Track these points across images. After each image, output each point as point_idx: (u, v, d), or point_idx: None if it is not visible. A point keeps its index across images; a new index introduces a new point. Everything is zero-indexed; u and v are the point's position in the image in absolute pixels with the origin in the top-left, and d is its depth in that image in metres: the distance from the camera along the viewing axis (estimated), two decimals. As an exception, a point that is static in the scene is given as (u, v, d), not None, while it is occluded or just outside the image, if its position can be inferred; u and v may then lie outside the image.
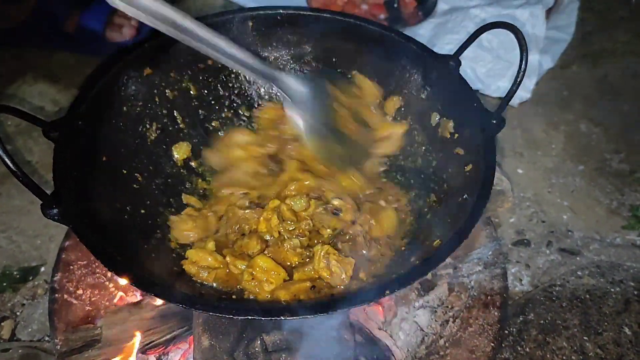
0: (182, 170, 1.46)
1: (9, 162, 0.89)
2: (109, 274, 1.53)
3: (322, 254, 1.17)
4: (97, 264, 1.54)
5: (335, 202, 1.31)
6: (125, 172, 1.31)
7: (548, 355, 1.47)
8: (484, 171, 1.10)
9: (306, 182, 1.35)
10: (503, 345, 1.49)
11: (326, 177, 1.37)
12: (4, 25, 2.29)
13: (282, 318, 0.90)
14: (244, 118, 1.57)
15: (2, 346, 1.56)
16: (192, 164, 1.47)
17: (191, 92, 1.48)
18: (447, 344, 1.40)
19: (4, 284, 1.71)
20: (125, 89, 1.31)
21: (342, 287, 1.15)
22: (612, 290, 1.61)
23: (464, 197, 1.12)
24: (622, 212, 1.92)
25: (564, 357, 1.47)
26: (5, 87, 2.31)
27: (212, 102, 1.52)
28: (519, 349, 1.50)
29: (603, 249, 1.80)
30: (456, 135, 1.28)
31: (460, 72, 1.28)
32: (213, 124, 1.53)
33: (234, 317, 0.91)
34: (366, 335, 1.36)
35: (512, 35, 1.07)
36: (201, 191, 1.45)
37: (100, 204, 1.14)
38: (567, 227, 1.88)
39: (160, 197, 1.38)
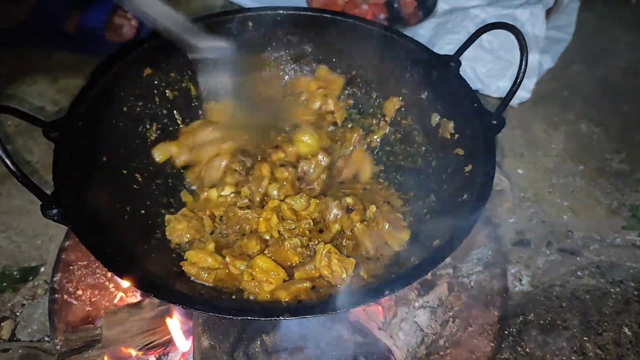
0: (182, 171, 1.46)
1: (8, 162, 0.89)
2: (109, 274, 1.53)
3: (324, 252, 1.17)
4: (97, 264, 1.54)
5: (349, 200, 1.31)
6: (125, 172, 1.31)
7: (548, 356, 1.47)
8: (484, 171, 1.10)
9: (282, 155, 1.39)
10: (503, 345, 1.49)
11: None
12: (4, 25, 2.29)
13: (282, 318, 0.90)
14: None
15: (2, 346, 1.55)
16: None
17: (191, 92, 1.48)
18: (447, 344, 1.39)
19: (4, 284, 1.71)
20: (125, 89, 1.32)
21: (343, 286, 1.15)
22: (612, 290, 1.61)
23: (464, 197, 1.12)
24: (622, 213, 1.92)
25: (564, 358, 1.46)
26: (5, 87, 2.31)
27: (212, 101, 1.52)
28: (519, 349, 1.50)
29: (603, 249, 1.80)
30: (456, 135, 1.28)
31: (460, 72, 1.28)
32: (213, 124, 1.53)
33: (234, 318, 0.91)
34: (366, 335, 1.36)
35: (512, 36, 1.07)
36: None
37: (100, 204, 1.14)
38: (567, 228, 1.88)
39: (160, 197, 1.38)
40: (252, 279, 1.14)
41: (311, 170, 1.38)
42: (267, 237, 1.27)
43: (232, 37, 1.46)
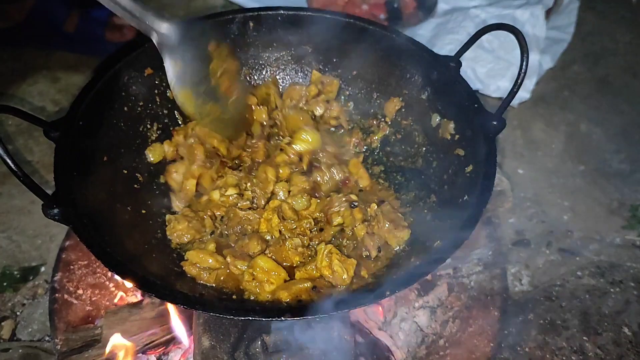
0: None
1: (9, 162, 0.89)
2: (109, 274, 1.54)
3: (325, 252, 1.17)
4: (97, 264, 1.54)
5: (353, 196, 1.31)
6: (125, 172, 1.31)
7: (548, 356, 1.47)
8: (485, 172, 1.10)
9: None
10: (503, 345, 1.49)
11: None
12: (4, 25, 2.29)
13: (283, 319, 0.90)
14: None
15: (3, 346, 1.56)
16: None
17: (192, 92, 1.48)
18: (447, 344, 1.40)
19: (5, 284, 1.71)
20: (126, 89, 1.32)
21: (344, 286, 1.15)
22: (612, 290, 1.61)
23: (465, 197, 1.12)
24: (622, 212, 1.92)
25: (564, 357, 1.47)
26: (6, 87, 2.31)
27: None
28: (519, 349, 1.50)
29: (603, 249, 1.80)
30: (457, 136, 1.28)
31: (460, 72, 1.28)
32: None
33: (235, 318, 0.91)
34: (366, 335, 1.36)
35: (512, 36, 1.07)
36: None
37: (101, 204, 1.14)
38: (567, 227, 1.88)
39: (161, 197, 1.38)
40: (253, 279, 1.14)
41: (323, 182, 1.38)
42: (268, 238, 1.27)
43: (233, 37, 1.47)
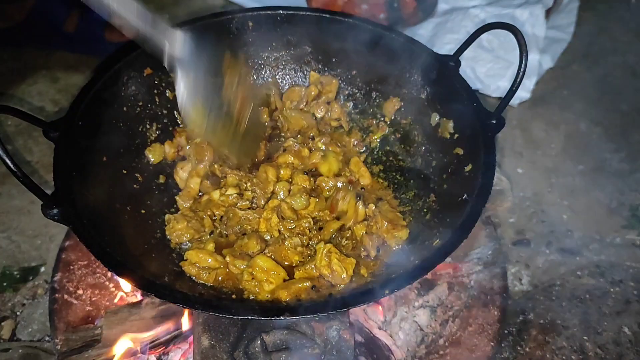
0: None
1: (9, 162, 0.89)
2: (109, 274, 1.54)
3: (324, 252, 1.17)
4: (97, 264, 1.54)
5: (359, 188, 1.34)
6: (125, 172, 1.32)
7: (548, 355, 1.47)
8: (484, 171, 1.10)
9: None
10: (503, 344, 1.49)
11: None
12: (4, 25, 2.29)
13: (282, 318, 0.90)
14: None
15: (3, 346, 1.56)
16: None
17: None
18: (446, 344, 1.40)
19: (4, 284, 1.71)
20: (125, 89, 1.32)
21: (343, 285, 1.15)
22: (612, 290, 1.61)
23: (464, 197, 1.12)
24: (622, 212, 1.92)
25: (564, 357, 1.47)
26: (5, 87, 2.31)
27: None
28: (519, 348, 1.50)
29: (603, 248, 1.80)
30: (456, 135, 1.28)
31: (459, 72, 1.28)
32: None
33: (234, 317, 0.91)
34: (366, 334, 1.36)
35: (512, 35, 1.07)
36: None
37: (101, 204, 1.14)
38: (567, 227, 1.88)
39: (161, 197, 1.38)
40: (253, 279, 1.15)
41: (327, 188, 1.38)
42: (268, 237, 1.27)
43: (232, 36, 1.47)
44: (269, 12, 1.46)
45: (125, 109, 1.33)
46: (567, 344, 1.49)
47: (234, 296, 1.15)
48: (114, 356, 1.29)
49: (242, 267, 1.18)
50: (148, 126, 1.40)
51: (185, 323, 1.33)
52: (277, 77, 1.58)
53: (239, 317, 0.91)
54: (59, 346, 1.35)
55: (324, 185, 1.37)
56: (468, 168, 1.18)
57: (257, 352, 1.12)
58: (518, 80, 1.07)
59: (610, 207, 1.94)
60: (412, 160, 1.44)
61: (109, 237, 1.06)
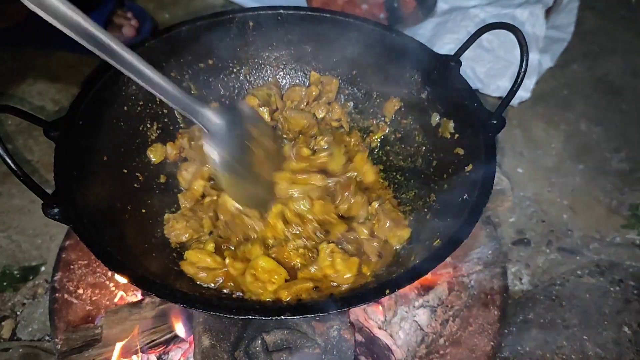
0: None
1: (9, 161, 0.89)
2: (110, 273, 1.54)
3: (327, 252, 1.17)
4: (97, 264, 1.54)
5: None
6: (125, 171, 1.31)
7: (548, 355, 1.48)
8: (484, 171, 1.10)
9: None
10: (503, 344, 1.49)
11: None
12: (4, 25, 2.28)
13: (283, 317, 0.90)
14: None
15: (3, 346, 1.56)
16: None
17: (192, 91, 1.48)
18: (447, 343, 1.40)
19: (5, 284, 1.71)
20: (125, 88, 1.32)
21: (347, 285, 1.15)
22: (612, 289, 1.61)
23: (464, 196, 1.12)
24: (622, 212, 1.92)
25: (564, 357, 1.47)
26: (6, 86, 2.31)
27: (212, 101, 1.53)
28: (519, 348, 1.50)
29: (603, 248, 1.80)
30: (456, 135, 1.28)
31: (460, 71, 1.28)
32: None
33: (235, 317, 0.91)
34: (366, 334, 1.36)
35: (512, 35, 1.07)
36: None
37: (101, 204, 1.14)
38: (567, 227, 1.88)
39: (161, 196, 1.38)
40: (256, 280, 1.14)
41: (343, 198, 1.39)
42: (271, 242, 1.26)
43: (233, 36, 1.47)
44: (269, 11, 1.46)
45: (125, 108, 1.32)
46: (567, 343, 1.49)
47: (234, 295, 1.15)
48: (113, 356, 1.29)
49: (241, 269, 1.18)
50: (149, 125, 1.40)
51: (180, 329, 1.34)
52: (277, 76, 1.58)
53: (240, 317, 0.91)
54: (59, 346, 1.35)
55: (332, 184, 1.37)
56: (468, 168, 1.18)
57: (258, 352, 1.12)
58: (519, 80, 1.06)
59: (610, 206, 1.94)
60: (413, 160, 1.43)
61: (109, 237, 1.06)
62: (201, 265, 1.19)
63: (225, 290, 1.18)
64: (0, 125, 2.18)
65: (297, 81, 1.60)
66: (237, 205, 1.30)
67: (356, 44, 1.46)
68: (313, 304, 0.94)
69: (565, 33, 2.45)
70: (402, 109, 1.46)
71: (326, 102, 1.52)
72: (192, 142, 1.44)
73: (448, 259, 0.99)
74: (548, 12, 2.28)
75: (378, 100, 1.52)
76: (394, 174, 1.47)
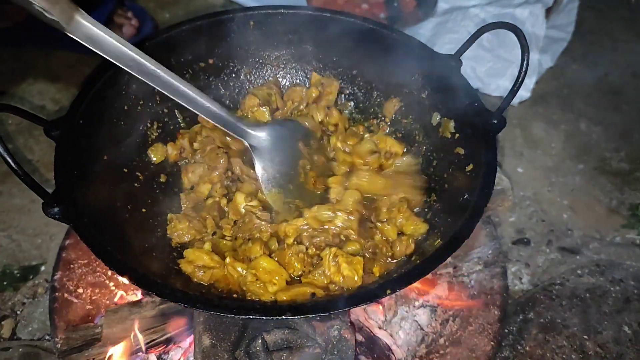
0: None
1: (10, 160, 0.89)
2: (110, 272, 1.54)
3: (330, 257, 1.16)
4: (97, 263, 1.54)
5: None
6: (126, 170, 1.31)
7: (548, 354, 1.48)
8: (485, 171, 1.10)
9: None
10: (503, 344, 1.49)
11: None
12: (4, 25, 2.28)
13: (284, 317, 0.90)
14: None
15: (3, 345, 1.56)
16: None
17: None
18: (447, 343, 1.40)
19: (5, 283, 1.71)
20: (126, 87, 1.31)
21: (356, 288, 1.14)
22: (612, 289, 1.61)
23: (465, 196, 1.12)
24: (621, 211, 1.92)
25: (564, 356, 1.47)
26: (6, 86, 2.31)
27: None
28: (519, 347, 1.50)
29: (603, 247, 1.80)
30: (457, 134, 1.28)
31: (460, 71, 1.28)
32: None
33: (235, 316, 0.91)
34: (367, 334, 1.36)
35: (512, 35, 1.07)
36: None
37: (101, 203, 1.14)
38: (567, 226, 1.88)
39: (161, 196, 1.38)
40: (257, 280, 1.14)
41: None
42: (273, 246, 1.26)
43: (233, 35, 1.47)
44: (269, 11, 1.46)
45: (126, 107, 1.32)
46: (567, 343, 1.49)
47: (235, 295, 1.15)
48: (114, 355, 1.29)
49: (240, 271, 1.18)
50: (149, 125, 1.40)
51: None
52: (278, 76, 1.59)
53: (241, 317, 0.91)
54: (59, 345, 1.35)
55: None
56: (469, 168, 1.17)
57: (258, 352, 1.12)
58: (520, 79, 1.06)
59: (610, 206, 1.94)
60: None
61: (109, 236, 1.06)
62: (199, 263, 1.19)
63: (221, 291, 1.17)
64: (1, 124, 2.18)
65: (298, 81, 1.60)
66: (248, 205, 1.32)
67: (356, 44, 1.46)
68: (314, 304, 0.94)
69: (565, 33, 2.44)
70: (403, 109, 1.46)
71: (325, 106, 1.52)
72: (195, 144, 1.44)
73: (448, 259, 0.99)
74: (548, 11, 2.28)
75: (378, 100, 1.52)
76: (394, 173, 1.46)
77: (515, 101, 2.24)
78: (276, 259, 1.21)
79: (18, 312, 1.66)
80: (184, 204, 1.38)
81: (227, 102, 1.56)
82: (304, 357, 1.11)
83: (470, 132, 1.21)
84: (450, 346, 1.39)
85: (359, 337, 1.33)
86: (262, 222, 1.28)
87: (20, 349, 1.54)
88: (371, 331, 1.37)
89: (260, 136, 1.24)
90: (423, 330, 1.43)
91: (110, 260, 0.97)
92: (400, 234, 1.28)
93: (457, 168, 1.24)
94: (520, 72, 1.06)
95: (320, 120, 1.51)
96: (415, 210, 1.33)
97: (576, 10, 2.50)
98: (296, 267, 1.20)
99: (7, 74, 2.36)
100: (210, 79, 1.51)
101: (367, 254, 1.23)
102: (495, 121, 1.14)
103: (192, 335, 1.29)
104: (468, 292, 1.48)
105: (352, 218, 1.27)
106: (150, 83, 1.04)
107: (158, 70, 1.04)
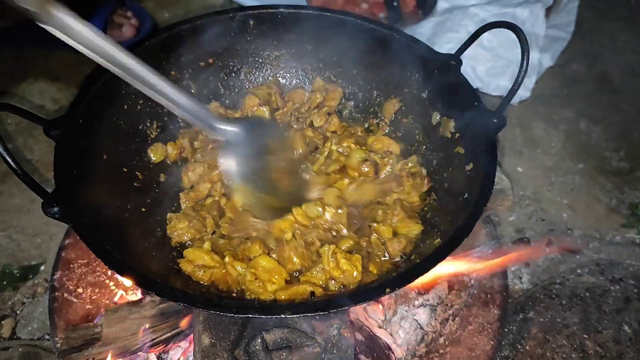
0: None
1: (9, 160, 0.89)
2: (109, 272, 1.53)
3: (329, 254, 1.16)
4: (97, 263, 1.54)
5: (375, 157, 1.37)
6: (125, 170, 1.31)
7: (548, 354, 1.48)
8: (485, 170, 1.10)
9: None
10: (503, 343, 1.50)
11: None
12: (4, 25, 2.28)
13: (283, 316, 0.90)
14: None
15: (3, 345, 1.56)
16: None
17: (192, 90, 1.48)
18: (447, 342, 1.40)
19: (4, 283, 1.71)
20: (125, 87, 1.31)
21: (355, 284, 1.14)
22: (612, 288, 1.61)
23: (465, 196, 1.12)
24: (621, 210, 1.92)
25: (564, 355, 1.47)
26: (6, 86, 2.31)
27: (213, 100, 1.53)
28: (519, 347, 1.50)
29: (603, 247, 1.80)
30: (457, 134, 1.28)
31: (460, 70, 1.28)
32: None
33: (235, 316, 0.91)
34: (366, 333, 1.36)
35: (512, 34, 1.07)
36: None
37: (101, 202, 1.14)
38: (567, 226, 1.88)
39: (161, 195, 1.38)
40: (256, 279, 1.14)
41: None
42: (272, 246, 1.26)
43: (233, 35, 1.47)
44: (269, 10, 1.46)
45: (125, 107, 1.32)
46: (567, 342, 1.49)
47: (234, 294, 1.15)
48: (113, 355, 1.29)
49: (240, 270, 1.18)
50: (149, 124, 1.40)
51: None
52: (277, 75, 1.58)
53: (240, 316, 0.91)
54: (59, 344, 1.35)
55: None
56: (469, 167, 1.17)
57: (258, 351, 1.12)
58: (520, 79, 1.06)
59: (610, 205, 1.94)
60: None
61: (109, 235, 1.06)
62: (199, 263, 1.19)
63: (221, 290, 1.18)
64: (1, 124, 2.18)
65: (297, 80, 1.60)
66: (245, 204, 1.31)
67: (356, 43, 1.45)
68: (313, 303, 0.94)
69: (565, 32, 2.45)
70: (403, 108, 1.46)
71: (326, 112, 1.52)
72: (196, 143, 1.45)
73: (448, 258, 0.99)
74: (548, 11, 2.28)
75: (378, 100, 1.52)
76: (394, 173, 1.46)
77: (515, 100, 2.24)
78: (274, 256, 1.21)
79: (18, 312, 1.66)
80: (184, 203, 1.38)
81: (227, 101, 1.56)
82: (303, 356, 1.11)
83: (470, 132, 1.21)
84: (450, 345, 1.39)
85: (359, 336, 1.33)
86: (257, 221, 1.29)
87: (20, 349, 1.54)
88: (371, 330, 1.37)
89: (231, 130, 1.18)
90: (423, 329, 1.43)
91: (110, 259, 0.97)
92: (396, 234, 1.28)
93: (457, 167, 1.24)
94: (520, 71, 1.05)
95: (319, 125, 1.51)
96: (413, 210, 1.33)
97: (576, 10, 2.50)
98: (295, 262, 1.21)
99: (7, 74, 2.36)
100: (210, 79, 1.51)
101: (362, 253, 1.23)
102: (495, 120, 1.14)
103: (192, 335, 1.29)
104: (468, 292, 1.48)
105: (341, 212, 1.28)
106: (120, 75, 0.99)
107: (130, 60, 0.98)
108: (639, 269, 1.68)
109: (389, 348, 1.36)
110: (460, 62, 1.28)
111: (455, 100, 1.27)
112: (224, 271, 1.20)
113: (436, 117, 1.35)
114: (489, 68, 2.21)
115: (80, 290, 1.49)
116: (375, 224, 1.29)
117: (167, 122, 1.45)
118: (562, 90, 2.37)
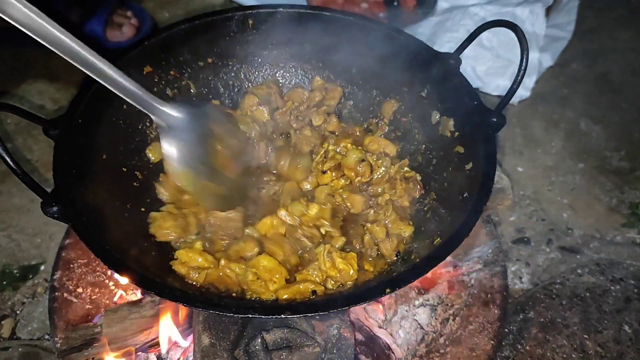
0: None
1: (9, 160, 0.89)
2: (109, 272, 1.53)
3: (325, 253, 1.16)
4: (97, 262, 1.54)
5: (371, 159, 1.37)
6: (125, 170, 1.31)
7: (548, 354, 1.47)
8: (485, 169, 1.09)
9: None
10: (503, 343, 1.49)
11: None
12: (4, 25, 2.28)
13: (284, 316, 0.90)
14: (244, 116, 1.57)
15: (2, 345, 1.56)
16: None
17: (191, 90, 1.48)
18: (447, 342, 1.40)
19: (4, 283, 1.71)
20: (125, 87, 1.31)
21: (351, 283, 1.14)
22: (612, 288, 1.61)
23: (465, 195, 1.12)
24: (622, 210, 1.92)
25: (564, 355, 1.47)
26: (5, 85, 2.31)
27: (212, 100, 1.52)
28: (519, 347, 1.50)
29: (603, 247, 1.80)
30: (456, 133, 1.28)
31: (460, 70, 1.28)
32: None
33: (235, 315, 0.91)
34: (366, 333, 1.36)
35: (512, 34, 1.07)
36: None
37: (100, 202, 1.14)
38: (567, 225, 1.88)
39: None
40: (257, 278, 1.14)
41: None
42: (262, 241, 1.26)
43: (232, 34, 1.47)
44: (268, 10, 1.46)
45: (125, 106, 1.32)
46: (568, 342, 1.49)
47: (234, 294, 1.15)
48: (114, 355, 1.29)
49: (237, 271, 1.17)
50: (148, 124, 1.39)
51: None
52: (277, 75, 1.58)
53: (240, 316, 0.90)
54: (59, 344, 1.35)
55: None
56: (469, 166, 1.17)
57: (258, 351, 1.12)
58: (519, 78, 1.06)
59: (610, 205, 1.94)
60: (413, 159, 1.43)
61: (108, 235, 1.06)
62: (192, 264, 1.18)
63: (222, 289, 1.17)
64: (0, 124, 2.18)
65: (297, 80, 1.59)
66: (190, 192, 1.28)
67: (356, 43, 1.45)
68: (314, 303, 0.94)
69: (565, 32, 2.44)
70: (402, 107, 1.46)
71: (325, 112, 1.51)
72: None
73: (448, 258, 0.98)
74: (548, 10, 2.28)
75: (378, 99, 1.52)
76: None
77: (515, 100, 2.24)
78: (270, 245, 1.22)
79: (18, 312, 1.66)
80: (162, 194, 1.35)
81: (227, 101, 1.55)
82: (303, 356, 1.11)
83: (470, 131, 1.21)
84: (450, 345, 1.39)
85: (359, 336, 1.33)
86: (230, 215, 1.28)
87: (20, 349, 1.54)
88: (371, 330, 1.37)
89: (171, 114, 1.13)
90: (423, 329, 1.43)
91: (109, 259, 0.97)
92: (388, 234, 1.28)
93: (456, 167, 1.24)
94: (519, 71, 1.06)
95: (318, 125, 1.51)
96: (404, 212, 1.33)
97: (576, 9, 2.50)
98: (286, 258, 1.22)
99: (7, 74, 2.36)
100: (210, 78, 1.51)
101: (355, 252, 1.23)
102: (494, 119, 1.14)
103: (192, 335, 1.29)
104: (468, 291, 1.48)
105: (325, 207, 1.29)
106: (56, 50, 0.97)
107: (62, 36, 0.97)
108: (639, 269, 1.68)
109: (389, 348, 1.36)
110: (459, 61, 1.28)
111: (454, 99, 1.27)
112: (220, 274, 1.19)
113: (436, 116, 1.35)
114: (488, 68, 2.21)
115: (80, 290, 1.49)
116: (368, 224, 1.29)
117: (167, 122, 1.44)
118: (562, 89, 2.37)
